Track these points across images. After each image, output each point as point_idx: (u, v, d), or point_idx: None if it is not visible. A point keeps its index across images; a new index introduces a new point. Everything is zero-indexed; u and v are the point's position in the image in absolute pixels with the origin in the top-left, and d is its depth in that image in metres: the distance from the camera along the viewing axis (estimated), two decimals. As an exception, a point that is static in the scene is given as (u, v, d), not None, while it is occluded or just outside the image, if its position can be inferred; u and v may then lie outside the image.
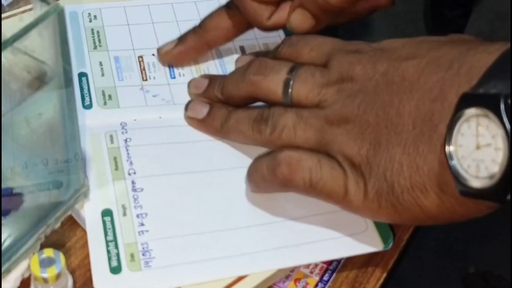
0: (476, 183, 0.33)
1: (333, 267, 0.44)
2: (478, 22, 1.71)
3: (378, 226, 0.43)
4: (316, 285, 0.43)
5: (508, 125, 0.31)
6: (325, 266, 0.44)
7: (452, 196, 0.35)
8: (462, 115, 0.33)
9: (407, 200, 0.37)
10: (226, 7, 0.50)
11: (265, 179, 0.41)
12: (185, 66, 0.52)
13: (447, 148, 0.34)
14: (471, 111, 0.33)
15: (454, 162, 0.34)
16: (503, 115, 0.31)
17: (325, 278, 0.44)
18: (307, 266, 0.44)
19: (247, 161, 0.45)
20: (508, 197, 0.32)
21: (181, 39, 0.51)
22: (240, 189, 0.44)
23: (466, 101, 0.34)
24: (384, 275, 0.44)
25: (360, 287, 0.44)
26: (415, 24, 1.67)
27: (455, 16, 1.58)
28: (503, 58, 0.34)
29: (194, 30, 0.51)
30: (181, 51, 0.51)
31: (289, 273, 0.44)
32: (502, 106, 0.32)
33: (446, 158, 0.34)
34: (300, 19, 0.47)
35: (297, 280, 0.44)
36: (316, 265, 0.44)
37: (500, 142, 0.32)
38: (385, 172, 0.37)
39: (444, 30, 1.58)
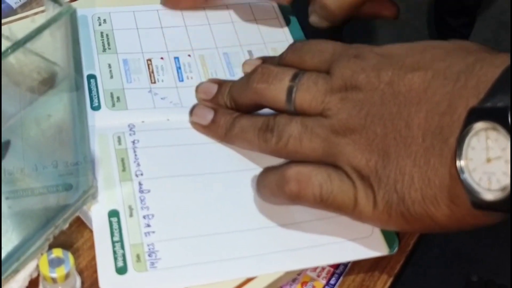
0: (488, 196, 0.33)
1: (340, 270, 0.44)
2: (482, 31, 1.71)
3: (384, 230, 0.43)
4: (323, 288, 0.44)
5: None
6: (332, 269, 0.44)
7: (464, 207, 0.35)
8: (471, 129, 0.34)
9: (418, 211, 0.37)
10: None
11: (274, 194, 0.42)
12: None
13: (458, 163, 0.34)
14: (479, 125, 0.33)
15: (465, 176, 0.34)
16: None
17: (332, 281, 0.44)
18: (314, 269, 0.44)
19: (255, 164, 0.45)
20: None
21: None
22: (246, 191, 0.44)
23: (474, 115, 0.34)
24: (391, 279, 0.44)
25: (367, 291, 0.44)
26: (419, 32, 1.67)
27: (459, 25, 1.59)
28: (508, 71, 0.34)
29: None
30: None
31: (295, 277, 0.44)
32: (510, 119, 0.32)
33: (457, 173, 0.34)
34: (318, 21, 0.51)
35: (303, 283, 0.44)
36: (323, 268, 0.44)
37: (510, 154, 0.32)
38: (396, 184, 0.37)
39: (448, 39, 1.58)
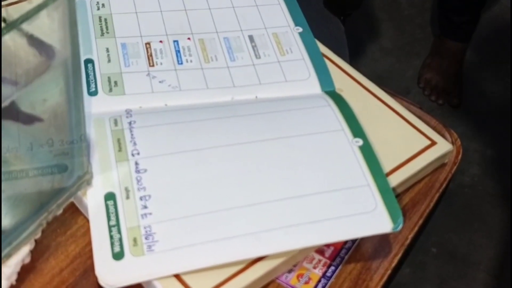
0: None
1: (336, 263, 0.44)
2: (486, 29, 1.70)
3: (388, 205, 0.42)
4: (319, 280, 0.43)
5: None
6: (328, 261, 0.44)
7: None
8: None
9: None
10: None
11: None
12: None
13: None
14: None
15: None
16: None
17: (328, 273, 0.43)
18: (310, 261, 0.44)
19: (252, 137, 0.44)
20: None
21: None
22: (247, 165, 0.43)
23: None
24: (388, 272, 0.43)
25: (364, 284, 0.43)
26: (422, 28, 1.66)
27: (463, 22, 1.57)
28: None
29: None
30: None
31: (292, 268, 0.43)
32: None
33: None
34: None
35: (299, 275, 0.43)
36: (319, 260, 0.44)
37: None
38: None
39: (452, 35, 1.57)
